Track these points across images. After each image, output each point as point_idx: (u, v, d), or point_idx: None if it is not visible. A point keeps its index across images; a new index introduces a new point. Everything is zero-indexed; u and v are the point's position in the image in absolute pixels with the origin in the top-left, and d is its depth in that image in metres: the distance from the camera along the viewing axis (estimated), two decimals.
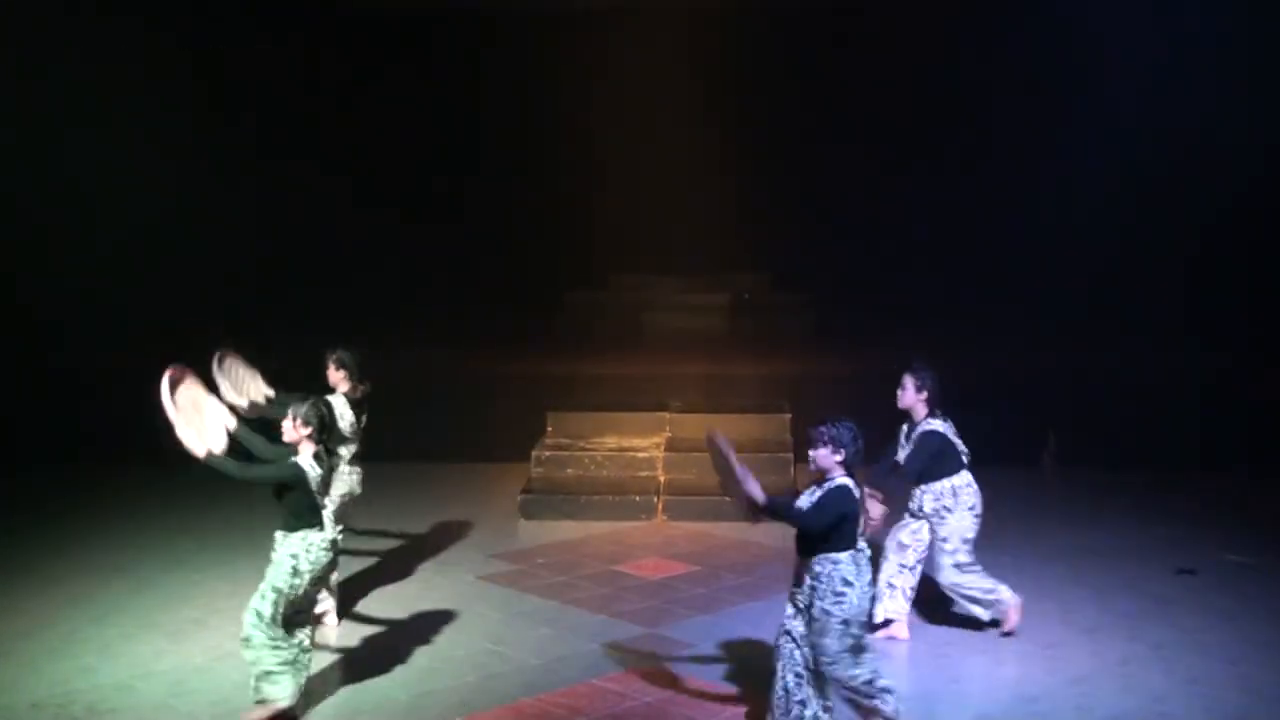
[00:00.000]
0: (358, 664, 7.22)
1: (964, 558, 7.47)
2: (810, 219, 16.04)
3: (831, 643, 5.77)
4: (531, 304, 15.78)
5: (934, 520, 7.47)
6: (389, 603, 8.33)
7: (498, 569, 9.16)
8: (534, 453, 11.27)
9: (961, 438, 7.52)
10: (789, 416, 11.60)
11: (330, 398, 7.78)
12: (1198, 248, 14.74)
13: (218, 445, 6.35)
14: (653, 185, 16.18)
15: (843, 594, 5.73)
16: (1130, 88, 14.70)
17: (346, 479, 7.92)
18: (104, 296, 14.46)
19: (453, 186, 16.65)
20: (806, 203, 16.13)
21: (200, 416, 6.41)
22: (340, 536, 7.20)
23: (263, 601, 6.33)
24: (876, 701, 5.88)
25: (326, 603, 7.75)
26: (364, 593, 8.51)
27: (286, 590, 6.35)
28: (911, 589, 7.59)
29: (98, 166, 14.34)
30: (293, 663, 6.39)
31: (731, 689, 6.86)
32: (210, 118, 15.24)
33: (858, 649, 5.83)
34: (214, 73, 15.46)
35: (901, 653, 7.39)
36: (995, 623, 7.62)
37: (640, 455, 11.22)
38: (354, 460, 7.99)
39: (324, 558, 6.49)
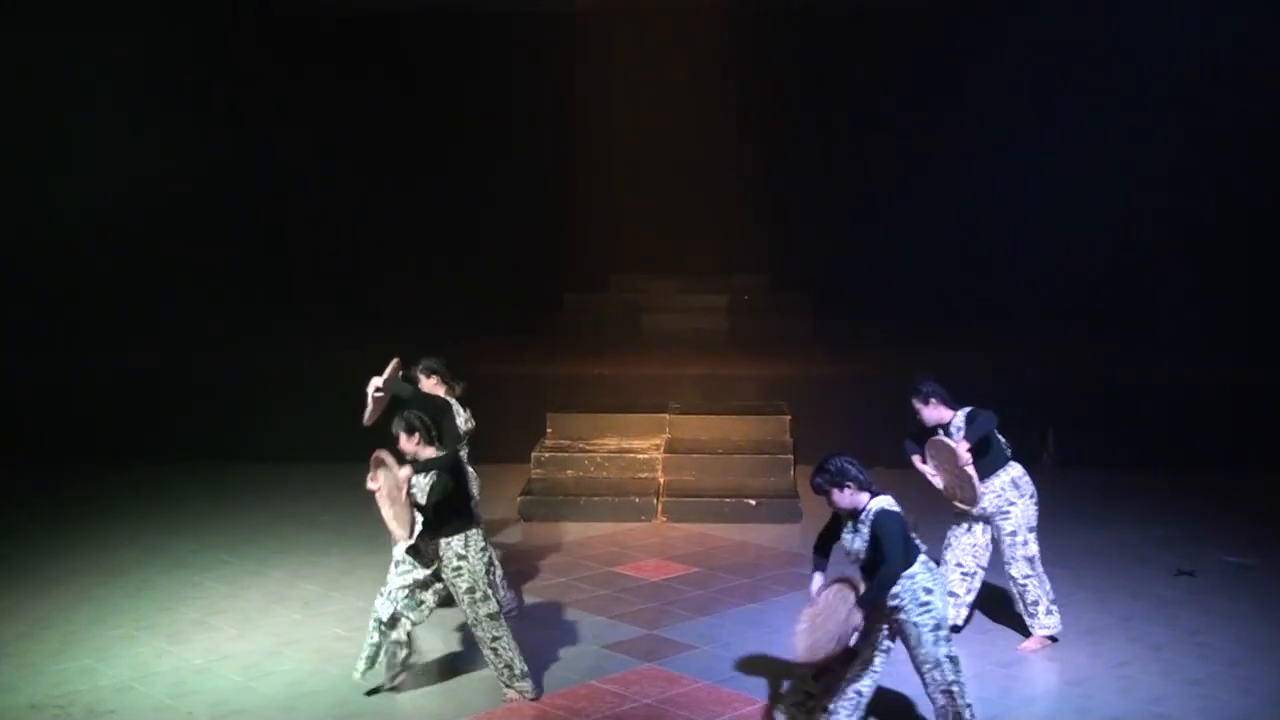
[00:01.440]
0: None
1: (1035, 549, 7.39)
2: (809, 219, 16.03)
3: (929, 650, 5.89)
4: (531, 304, 15.78)
5: (998, 517, 7.34)
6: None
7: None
8: (534, 454, 11.26)
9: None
10: (789, 417, 11.60)
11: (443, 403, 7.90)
12: (1199, 248, 14.73)
13: (412, 530, 6.51)
14: (652, 185, 16.18)
15: (927, 603, 5.84)
16: (1133, 88, 14.70)
17: (475, 480, 7.95)
18: (108, 295, 14.48)
19: (451, 187, 16.63)
20: (806, 203, 16.13)
21: (398, 503, 6.49)
22: None
23: (484, 602, 6.58)
24: (962, 710, 5.94)
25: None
26: (364, 594, 8.49)
27: (483, 581, 6.58)
28: (972, 594, 7.55)
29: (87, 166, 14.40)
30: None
31: (731, 691, 6.86)
32: (210, 119, 15.25)
33: (953, 657, 5.92)
34: (215, 73, 15.48)
35: (902, 654, 7.37)
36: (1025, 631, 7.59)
37: (640, 456, 11.20)
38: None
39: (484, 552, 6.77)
